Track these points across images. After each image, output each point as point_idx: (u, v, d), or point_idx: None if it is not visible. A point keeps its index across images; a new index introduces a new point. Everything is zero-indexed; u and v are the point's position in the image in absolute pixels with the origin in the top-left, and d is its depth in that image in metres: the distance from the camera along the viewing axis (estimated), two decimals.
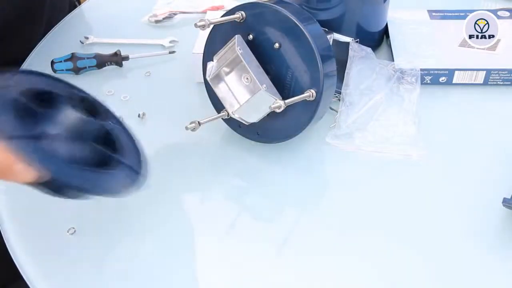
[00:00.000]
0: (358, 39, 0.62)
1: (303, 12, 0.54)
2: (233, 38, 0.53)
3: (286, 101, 0.51)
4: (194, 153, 0.60)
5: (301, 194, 0.55)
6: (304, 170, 0.57)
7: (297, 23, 0.51)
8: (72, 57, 0.71)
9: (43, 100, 0.44)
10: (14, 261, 0.50)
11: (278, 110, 0.51)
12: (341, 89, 0.63)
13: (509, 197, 0.50)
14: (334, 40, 0.58)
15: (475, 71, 0.65)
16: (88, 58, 0.71)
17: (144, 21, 0.83)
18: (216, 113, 0.58)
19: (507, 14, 0.72)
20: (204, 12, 0.84)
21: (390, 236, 0.50)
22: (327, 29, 0.61)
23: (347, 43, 0.61)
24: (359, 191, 0.55)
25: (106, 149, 0.45)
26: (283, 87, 0.54)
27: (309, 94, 0.52)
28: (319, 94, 0.52)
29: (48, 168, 0.40)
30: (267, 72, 0.53)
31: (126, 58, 0.72)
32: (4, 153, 0.38)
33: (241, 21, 0.54)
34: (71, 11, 0.88)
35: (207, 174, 0.58)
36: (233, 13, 0.54)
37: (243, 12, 0.53)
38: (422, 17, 0.74)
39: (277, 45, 0.53)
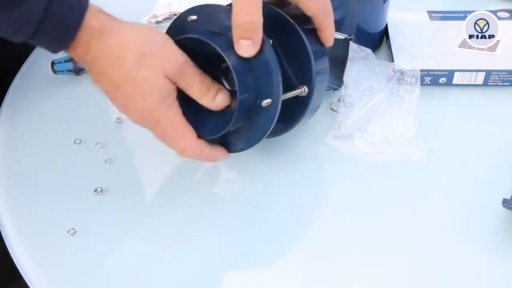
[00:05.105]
0: (352, 36, 0.62)
1: (296, 8, 0.54)
2: None
3: None
4: None
5: (300, 195, 0.55)
6: (304, 170, 0.57)
7: (290, 19, 0.51)
8: (73, 58, 0.71)
9: None
10: (14, 261, 0.50)
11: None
12: (334, 85, 0.63)
13: (509, 197, 0.50)
14: None
15: (475, 72, 0.65)
16: None
17: (144, 22, 0.83)
18: None
19: (507, 15, 0.72)
20: None
21: (389, 237, 0.50)
22: None
23: (343, 40, 0.61)
24: (359, 192, 0.55)
25: None
26: None
27: (301, 90, 0.52)
28: (311, 90, 0.52)
29: None
30: None
31: None
32: None
33: None
34: None
35: (206, 176, 0.58)
36: None
37: None
38: (422, 18, 0.74)
39: (270, 41, 0.52)
